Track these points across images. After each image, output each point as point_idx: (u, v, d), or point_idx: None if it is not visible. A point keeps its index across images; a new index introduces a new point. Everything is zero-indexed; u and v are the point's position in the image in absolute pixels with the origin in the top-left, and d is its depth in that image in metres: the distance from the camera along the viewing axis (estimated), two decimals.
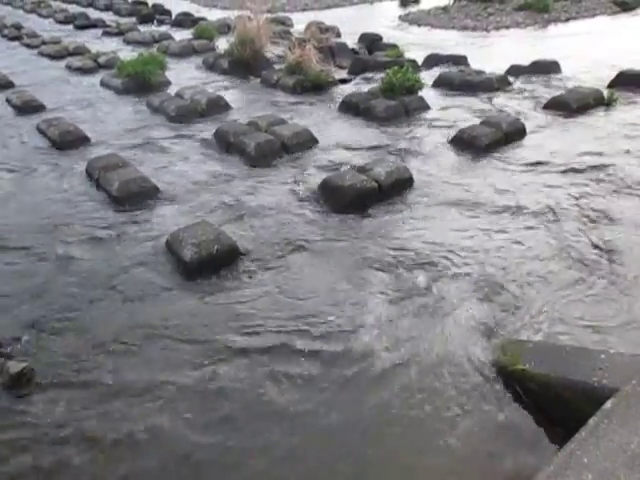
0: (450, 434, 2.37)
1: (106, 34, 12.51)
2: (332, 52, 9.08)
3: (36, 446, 2.40)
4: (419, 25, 12.75)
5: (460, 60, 8.54)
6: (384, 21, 13.13)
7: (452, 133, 5.61)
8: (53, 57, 10.14)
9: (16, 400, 2.64)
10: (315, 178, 4.75)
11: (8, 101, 7.38)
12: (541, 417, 2.42)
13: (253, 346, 2.91)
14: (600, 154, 5.04)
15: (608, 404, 2.08)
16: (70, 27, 13.78)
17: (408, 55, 8.79)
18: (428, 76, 7.83)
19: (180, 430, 2.45)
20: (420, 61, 8.64)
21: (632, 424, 1.98)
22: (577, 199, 4.25)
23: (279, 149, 5.40)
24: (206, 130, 6.12)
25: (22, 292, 3.42)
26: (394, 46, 9.44)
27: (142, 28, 12.84)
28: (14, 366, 2.75)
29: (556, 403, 2.40)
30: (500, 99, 6.85)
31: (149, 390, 2.67)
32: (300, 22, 12.38)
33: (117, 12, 15.75)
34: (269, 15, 11.01)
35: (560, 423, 2.34)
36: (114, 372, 2.78)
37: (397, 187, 4.51)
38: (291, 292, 3.33)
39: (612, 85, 6.91)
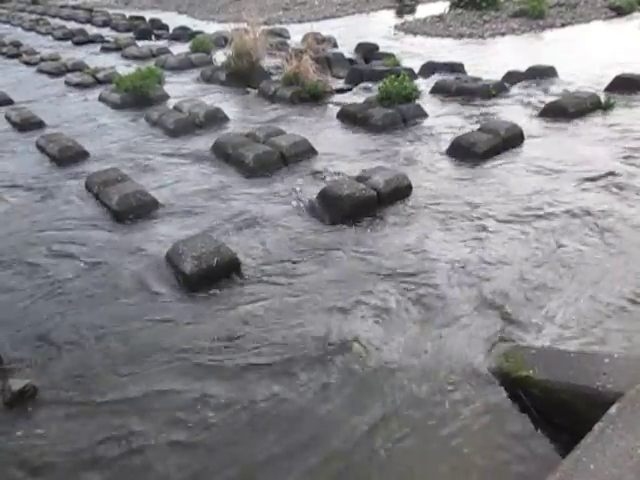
0: (453, 441, 2.35)
1: (104, 50, 12.62)
2: (329, 62, 9.14)
3: (37, 463, 2.38)
4: (415, 34, 12.81)
5: (457, 67, 8.57)
6: (380, 31, 13.20)
7: (450, 140, 5.62)
8: (52, 73, 10.19)
9: (18, 417, 2.62)
10: (314, 188, 4.74)
11: (7, 118, 7.42)
12: (546, 423, 2.40)
13: (250, 361, 2.89)
14: (599, 159, 5.04)
15: (613, 409, 2.06)
16: (69, 43, 13.90)
17: (405, 64, 8.83)
18: (425, 84, 7.87)
19: (180, 444, 2.44)
20: (417, 69, 8.68)
21: (638, 429, 1.96)
22: (578, 205, 4.24)
23: (277, 160, 5.41)
24: (204, 142, 6.14)
25: (21, 309, 3.42)
26: (390, 55, 9.49)
27: (140, 43, 12.93)
28: (16, 384, 2.73)
29: (561, 409, 2.38)
30: (497, 105, 6.87)
31: (149, 403, 2.66)
32: (297, 33, 12.48)
33: (115, 28, 15.88)
34: (266, 27, 11.11)
35: (565, 429, 2.32)
36: (113, 387, 2.76)
37: (396, 195, 4.51)
38: (290, 305, 3.32)
39: (609, 89, 6.94)
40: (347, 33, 12.62)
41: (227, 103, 7.82)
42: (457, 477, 2.24)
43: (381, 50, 10.41)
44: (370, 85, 7.98)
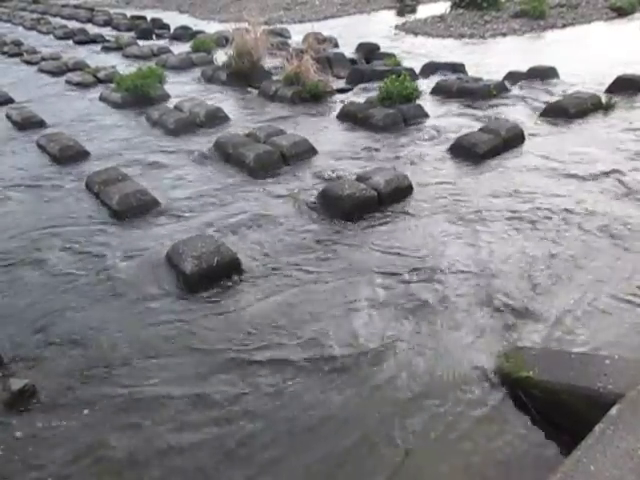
0: (453, 442, 2.35)
1: (105, 49, 12.62)
2: (330, 62, 9.13)
3: (37, 464, 2.38)
4: (416, 34, 12.81)
5: (457, 68, 8.57)
6: (381, 31, 13.20)
7: (451, 140, 5.61)
8: (53, 73, 10.19)
9: (17, 417, 2.62)
10: (314, 188, 4.75)
11: (8, 117, 7.41)
12: (546, 424, 2.40)
13: (251, 360, 2.89)
14: (600, 159, 5.04)
15: (614, 410, 2.06)
16: (70, 43, 13.90)
17: (405, 64, 8.82)
18: (426, 84, 7.87)
19: (182, 447, 2.43)
20: (418, 69, 8.67)
21: (639, 430, 1.96)
22: (578, 205, 4.24)
23: (278, 160, 5.40)
24: (205, 142, 6.13)
25: (22, 308, 3.42)
26: (391, 55, 9.48)
27: (141, 42, 12.93)
28: (16, 383, 2.73)
29: (561, 410, 2.38)
30: (498, 106, 6.87)
31: (151, 404, 2.65)
32: (298, 33, 12.48)
33: (116, 27, 15.88)
34: (266, 27, 11.11)
35: (566, 430, 2.32)
36: (113, 387, 2.76)
37: (396, 196, 4.51)
38: (291, 304, 3.31)
39: (610, 90, 6.93)
40: (348, 33, 12.62)
41: (228, 103, 7.82)
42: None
43: (382, 50, 10.41)
44: (371, 85, 7.97)
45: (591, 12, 13.58)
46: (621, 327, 2.94)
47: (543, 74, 7.84)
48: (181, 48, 11.81)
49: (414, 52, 10.50)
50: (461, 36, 12.14)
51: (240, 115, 7.30)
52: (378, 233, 4.06)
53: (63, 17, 19.10)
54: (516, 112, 6.56)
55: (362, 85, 8.17)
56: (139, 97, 7.87)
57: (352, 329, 3.06)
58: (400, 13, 16.30)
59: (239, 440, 2.43)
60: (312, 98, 7.60)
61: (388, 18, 15.58)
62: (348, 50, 10.50)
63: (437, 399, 2.57)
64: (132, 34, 14.16)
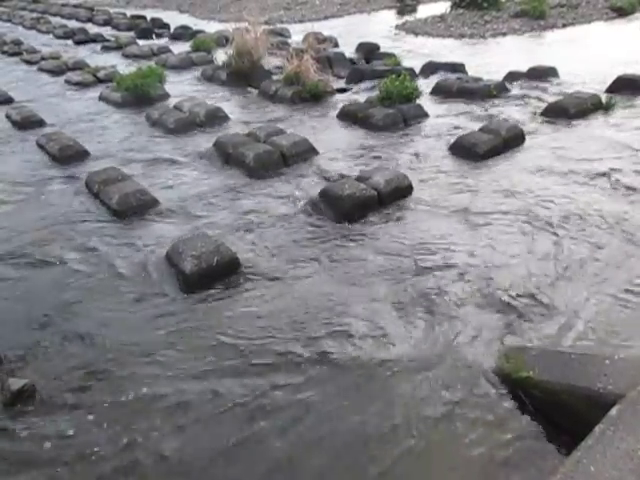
0: (454, 441, 2.35)
1: (105, 48, 12.60)
2: (330, 62, 9.13)
3: (35, 465, 2.37)
4: (416, 34, 12.80)
5: (458, 67, 8.56)
6: (381, 31, 13.19)
7: (451, 140, 5.61)
8: (53, 72, 10.18)
9: (17, 417, 2.61)
10: (314, 188, 4.74)
11: (8, 117, 7.41)
12: (546, 424, 2.40)
13: (251, 361, 2.89)
14: (600, 159, 5.04)
15: (614, 410, 2.06)
16: (69, 42, 13.89)
17: (405, 63, 8.82)
18: (426, 84, 7.86)
19: (184, 448, 2.43)
20: (418, 69, 8.67)
21: (639, 430, 1.95)
22: (579, 204, 4.24)
23: (278, 159, 5.40)
24: (205, 142, 6.13)
25: (22, 307, 3.41)
26: (391, 55, 9.48)
27: (141, 42, 12.93)
28: (15, 383, 2.72)
29: (561, 410, 2.37)
30: (498, 106, 6.86)
31: (150, 403, 2.65)
32: (298, 33, 12.47)
33: (116, 27, 15.87)
34: (267, 27, 11.10)
35: (566, 430, 2.31)
36: (113, 387, 2.75)
37: (396, 195, 4.50)
38: (291, 304, 3.31)
39: (610, 90, 6.93)
40: (348, 33, 12.61)
41: (228, 102, 7.82)
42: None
43: (382, 50, 10.40)
44: (371, 85, 7.97)
45: (591, 12, 13.57)
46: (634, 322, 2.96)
47: (543, 74, 7.84)
48: (181, 48, 11.80)
49: (414, 52, 10.50)
50: (461, 36, 12.13)
51: (240, 115, 7.30)
52: (378, 232, 4.05)
53: (63, 16, 19.09)
54: (516, 112, 6.56)
55: (362, 85, 8.17)
56: (139, 97, 7.87)
57: (358, 328, 3.05)
58: (400, 13, 16.29)
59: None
60: (312, 98, 7.60)
61: (388, 18, 15.57)
62: (348, 50, 10.50)
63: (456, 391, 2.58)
64: (132, 34, 14.14)
